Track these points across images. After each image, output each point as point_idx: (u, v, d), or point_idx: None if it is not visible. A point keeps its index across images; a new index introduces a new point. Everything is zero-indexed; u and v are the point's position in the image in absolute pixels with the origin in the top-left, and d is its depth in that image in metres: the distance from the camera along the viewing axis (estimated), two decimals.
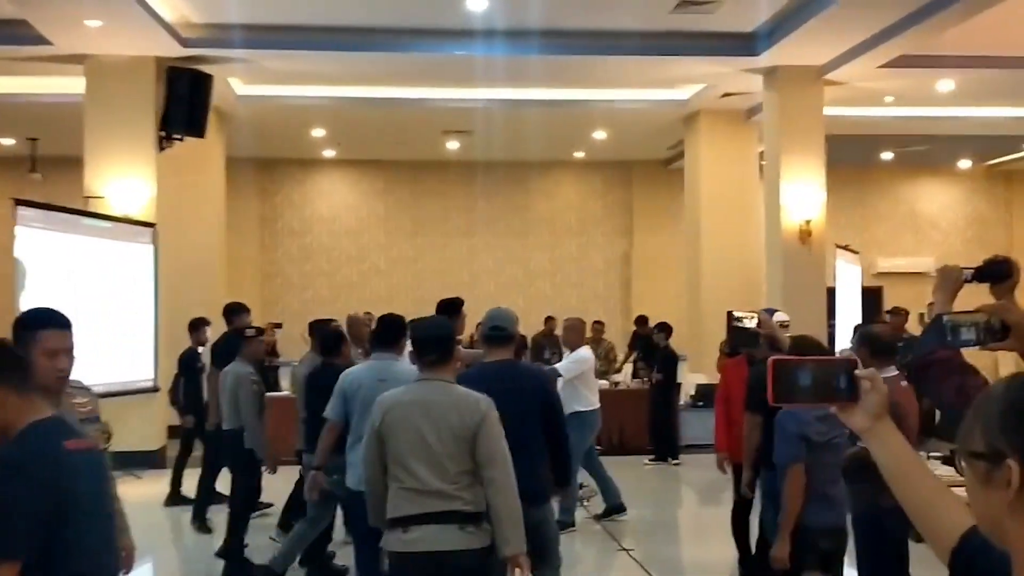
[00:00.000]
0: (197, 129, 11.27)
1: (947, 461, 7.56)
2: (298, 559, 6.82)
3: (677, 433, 12.11)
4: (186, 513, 8.67)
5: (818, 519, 4.30)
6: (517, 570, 3.72)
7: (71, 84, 11.33)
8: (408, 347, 5.09)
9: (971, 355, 2.76)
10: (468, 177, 17.90)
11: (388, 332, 5.44)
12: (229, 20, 10.62)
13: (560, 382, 7.47)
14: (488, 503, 3.71)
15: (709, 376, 13.44)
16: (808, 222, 11.84)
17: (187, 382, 9.20)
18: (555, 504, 5.25)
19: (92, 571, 2.63)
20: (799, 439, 4.27)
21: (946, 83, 12.60)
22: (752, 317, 5.73)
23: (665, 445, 11.95)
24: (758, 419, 5.32)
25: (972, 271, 2.99)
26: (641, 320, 14.16)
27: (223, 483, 8.08)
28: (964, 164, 18.60)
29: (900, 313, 10.38)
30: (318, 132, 15.83)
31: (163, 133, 11.15)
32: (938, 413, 7.33)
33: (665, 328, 12.16)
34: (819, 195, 11.92)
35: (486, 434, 3.72)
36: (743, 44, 11.35)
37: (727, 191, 14.20)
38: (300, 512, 6.84)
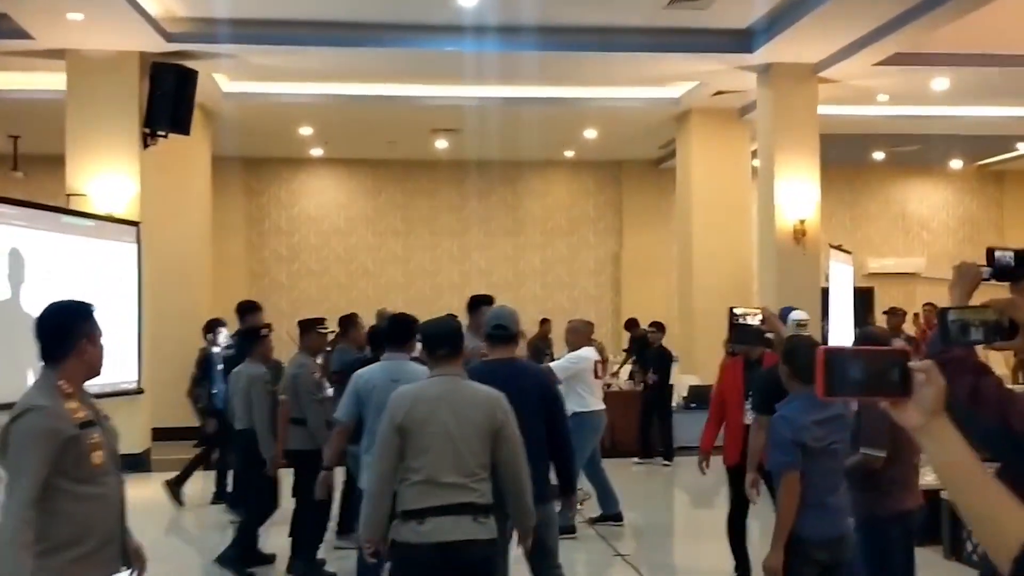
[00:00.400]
0: (182, 126, 11.06)
1: None
2: (288, 565, 6.78)
3: (670, 434, 11.95)
4: (185, 513, 8.55)
5: (814, 530, 4.09)
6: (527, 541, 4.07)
7: (53, 80, 11.11)
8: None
9: None
10: (458, 176, 17.76)
11: (399, 332, 5.46)
12: (215, 14, 10.45)
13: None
14: (506, 492, 3.90)
15: (702, 377, 13.32)
16: (802, 221, 11.72)
17: (204, 383, 9.12)
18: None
19: None
20: (794, 445, 4.09)
21: (941, 81, 12.51)
22: (755, 314, 5.57)
23: (654, 445, 11.80)
24: (765, 420, 5.17)
25: (991, 268, 2.84)
26: (632, 323, 14.00)
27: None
28: (956, 164, 18.54)
29: (897, 313, 10.28)
30: (305, 130, 15.65)
31: (147, 130, 10.93)
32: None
33: (659, 327, 12.05)
34: (814, 194, 11.81)
35: (513, 431, 3.90)
36: (737, 41, 11.23)
37: (719, 190, 14.07)
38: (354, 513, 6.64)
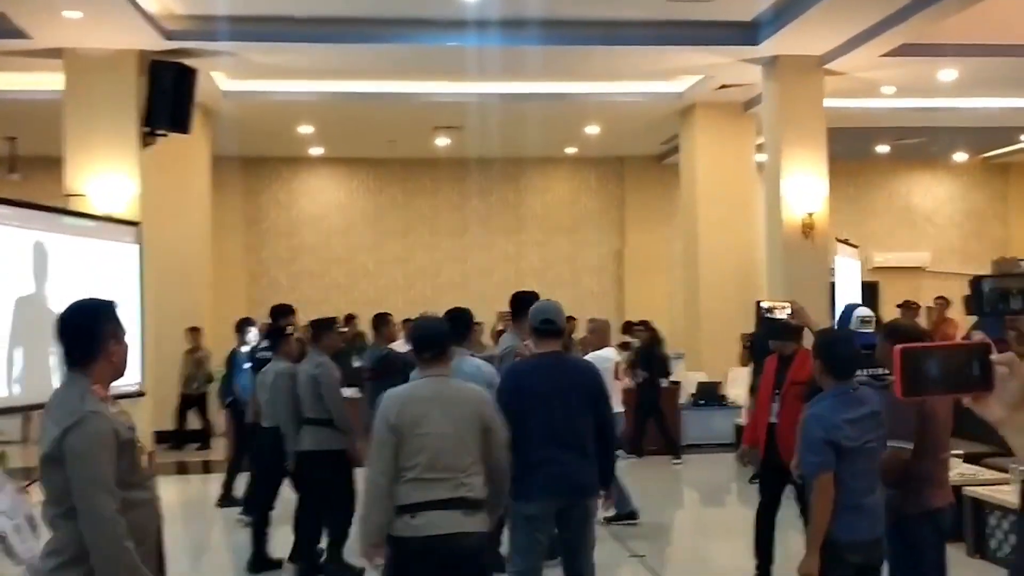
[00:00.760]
0: (182, 125, 10.91)
1: (969, 459, 7.31)
2: (288, 556, 6.88)
3: (670, 432, 11.75)
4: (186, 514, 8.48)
5: (849, 533, 3.93)
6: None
7: (50, 80, 10.96)
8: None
9: None
10: (459, 174, 17.61)
11: (454, 327, 5.34)
12: (214, 11, 10.30)
13: None
14: (491, 482, 4.00)
15: (709, 374, 13.20)
16: (811, 215, 11.58)
17: (231, 382, 9.25)
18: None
19: None
20: (826, 445, 3.93)
21: (948, 72, 12.38)
22: (784, 307, 5.42)
23: (646, 444, 11.54)
24: None
25: None
26: (629, 325, 13.70)
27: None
28: (960, 157, 18.40)
29: (911, 307, 10.14)
30: (305, 129, 15.50)
31: (146, 129, 10.79)
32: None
33: (646, 325, 11.99)
34: (821, 187, 11.68)
35: (499, 426, 4.04)
36: (742, 33, 11.10)
37: (724, 185, 13.94)
38: None
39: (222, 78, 12.56)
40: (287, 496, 7.06)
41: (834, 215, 11.97)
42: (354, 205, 17.93)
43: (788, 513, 6.15)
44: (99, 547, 2.78)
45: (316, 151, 17.24)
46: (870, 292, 15.06)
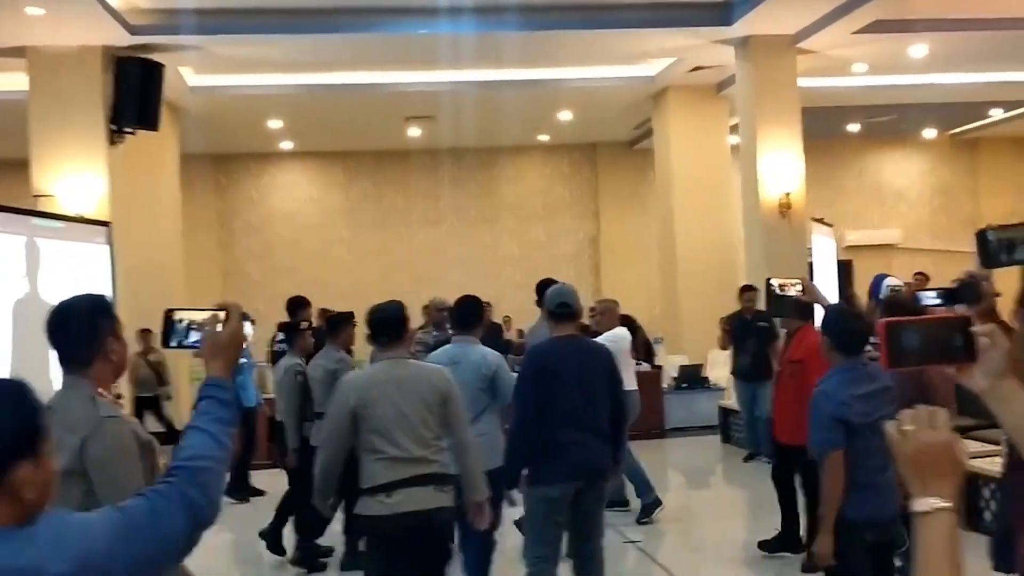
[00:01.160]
0: (150, 122, 10.70)
1: (959, 431, 7.30)
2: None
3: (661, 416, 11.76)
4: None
5: (861, 511, 3.86)
6: (479, 517, 4.26)
7: (14, 81, 10.71)
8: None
9: None
10: (432, 165, 17.47)
11: (464, 314, 5.43)
12: (179, 4, 10.11)
13: None
14: (458, 462, 4.15)
15: (690, 357, 13.19)
16: (787, 195, 11.59)
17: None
18: None
19: None
20: (836, 422, 3.87)
21: (919, 48, 12.41)
22: (794, 284, 5.37)
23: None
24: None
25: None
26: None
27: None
28: (929, 134, 18.50)
29: (924, 279, 10.19)
30: (275, 123, 15.31)
31: (114, 127, 10.58)
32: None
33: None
34: (798, 166, 11.68)
35: (454, 401, 4.14)
36: (715, 14, 11.06)
37: (699, 168, 13.90)
38: None
39: (189, 73, 12.36)
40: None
41: (807, 195, 11.97)
42: (327, 199, 17.75)
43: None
44: None
45: (286, 145, 17.04)
46: (844, 271, 15.11)
